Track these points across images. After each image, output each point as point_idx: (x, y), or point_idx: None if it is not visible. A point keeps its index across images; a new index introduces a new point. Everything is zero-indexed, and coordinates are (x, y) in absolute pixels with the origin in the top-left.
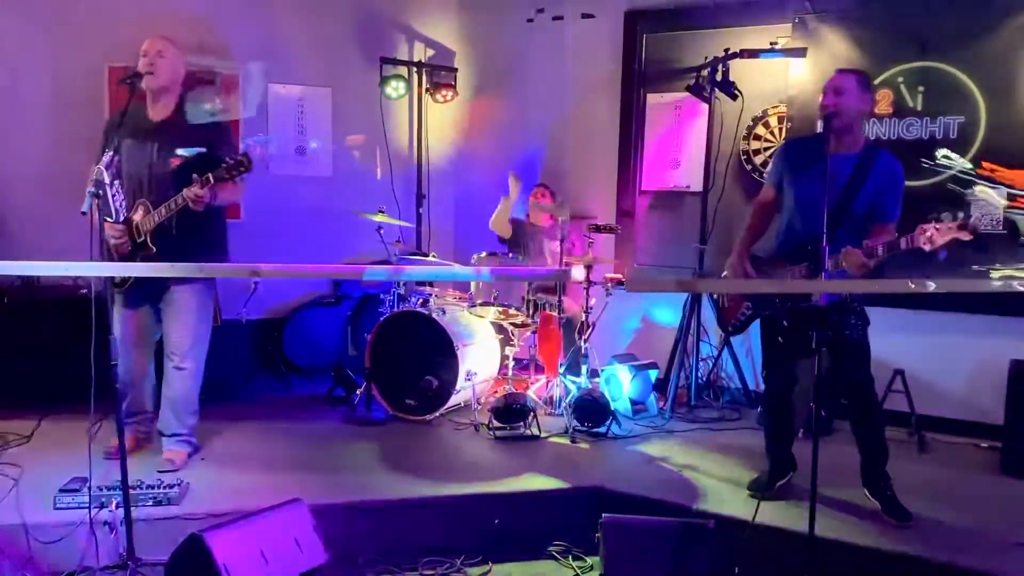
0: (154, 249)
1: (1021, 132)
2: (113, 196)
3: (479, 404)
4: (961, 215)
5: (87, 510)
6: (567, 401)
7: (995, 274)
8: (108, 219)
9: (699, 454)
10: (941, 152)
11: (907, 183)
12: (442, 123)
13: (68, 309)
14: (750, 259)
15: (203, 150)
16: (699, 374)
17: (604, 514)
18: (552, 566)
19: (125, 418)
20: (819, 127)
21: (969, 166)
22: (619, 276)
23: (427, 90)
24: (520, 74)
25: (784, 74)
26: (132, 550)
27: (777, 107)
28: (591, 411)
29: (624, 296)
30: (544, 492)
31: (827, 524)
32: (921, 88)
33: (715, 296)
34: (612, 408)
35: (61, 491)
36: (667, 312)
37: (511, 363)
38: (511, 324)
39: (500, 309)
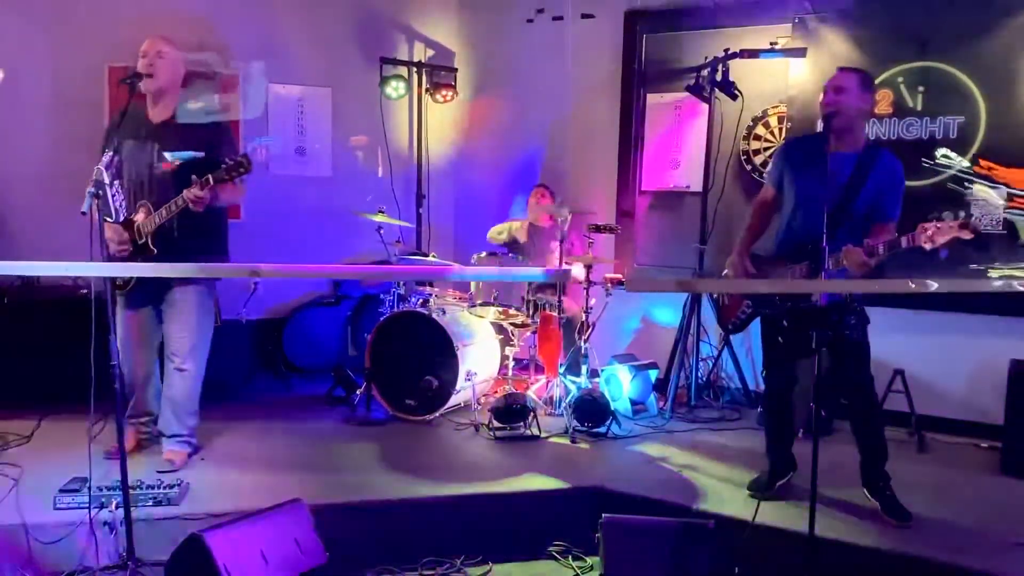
0: (155, 251)
1: (1021, 132)
2: (113, 196)
3: (479, 404)
4: (962, 214)
5: (87, 510)
6: (567, 401)
7: (994, 273)
8: (108, 219)
9: (699, 454)
10: (941, 152)
11: (907, 183)
12: (442, 123)
13: (68, 309)
14: (750, 258)
15: (196, 154)
16: (699, 374)
17: (604, 514)
18: (552, 566)
19: (129, 419)
20: (819, 126)
21: (968, 165)
22: (619, 276)
23: (427, 90)
24: (520, 74)
25: (784, 74)
26: (132, 550)
27: (777, 107)
28: (591, 411)
29: (624, 296)
30: (544, 492)
31: (827, 524)
32: (921, 88)
33: (715, 295)
34: (612, 408)
35: (61, 491)
36: (667, 312)
37: (511, 363)
38: (511, 324)
39: (500, 309)
